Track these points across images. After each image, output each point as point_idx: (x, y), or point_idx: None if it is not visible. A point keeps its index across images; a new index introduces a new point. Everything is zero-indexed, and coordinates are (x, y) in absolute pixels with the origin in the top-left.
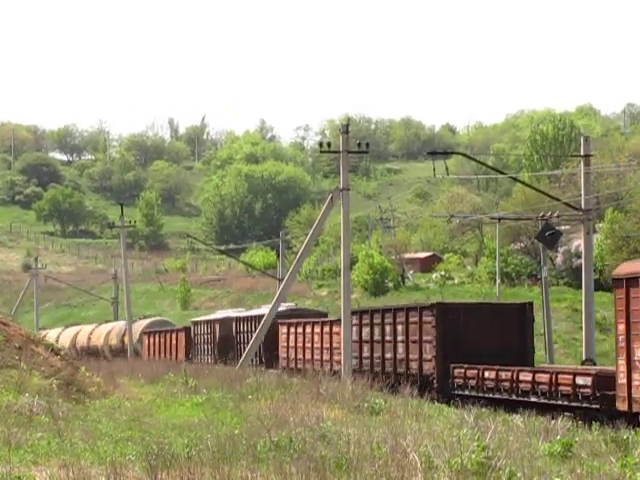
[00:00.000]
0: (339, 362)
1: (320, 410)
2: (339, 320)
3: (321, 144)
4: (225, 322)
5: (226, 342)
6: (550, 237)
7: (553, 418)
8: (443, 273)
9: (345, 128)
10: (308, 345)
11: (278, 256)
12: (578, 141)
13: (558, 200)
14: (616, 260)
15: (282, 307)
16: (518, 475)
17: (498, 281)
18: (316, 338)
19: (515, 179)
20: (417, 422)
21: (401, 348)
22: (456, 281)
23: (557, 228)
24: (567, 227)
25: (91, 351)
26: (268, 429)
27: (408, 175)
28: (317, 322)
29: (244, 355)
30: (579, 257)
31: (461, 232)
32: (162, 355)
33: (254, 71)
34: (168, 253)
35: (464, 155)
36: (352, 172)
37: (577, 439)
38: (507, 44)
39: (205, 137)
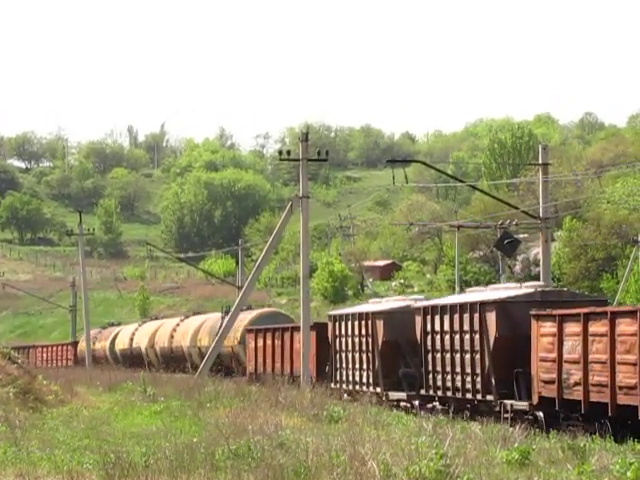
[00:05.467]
0: None
1: (279, 418)
2: None
3: (280, 152)
4: (398, 315)
5: (398, 350)
6: (509, 245)
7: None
8: (402, 281)
9: (305, 136)
10: (600, 357)
11: (237, 264)
12: (536, 150)
13: (517, 208)
14: (574, 268)
15: (528, 288)
16: None
17: (457, 289)
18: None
19: (474, 187)
20: (376, 430)
21: None
22: (415, 289)
23: (516, 236)
24: (526, 235)
25: (175, 355)
26: (226, 437)
27: (368, 183)
28: (629, 313)
29: (201, 366)
30: (537, 265)
31: (420, 240)
32: (276, 367)
33: (214, 79)
34: (127, 261)
35: (423, 163)
36: (312, 180)
37: (534, 447)
38: (466, 53)
39: (164, 145)
